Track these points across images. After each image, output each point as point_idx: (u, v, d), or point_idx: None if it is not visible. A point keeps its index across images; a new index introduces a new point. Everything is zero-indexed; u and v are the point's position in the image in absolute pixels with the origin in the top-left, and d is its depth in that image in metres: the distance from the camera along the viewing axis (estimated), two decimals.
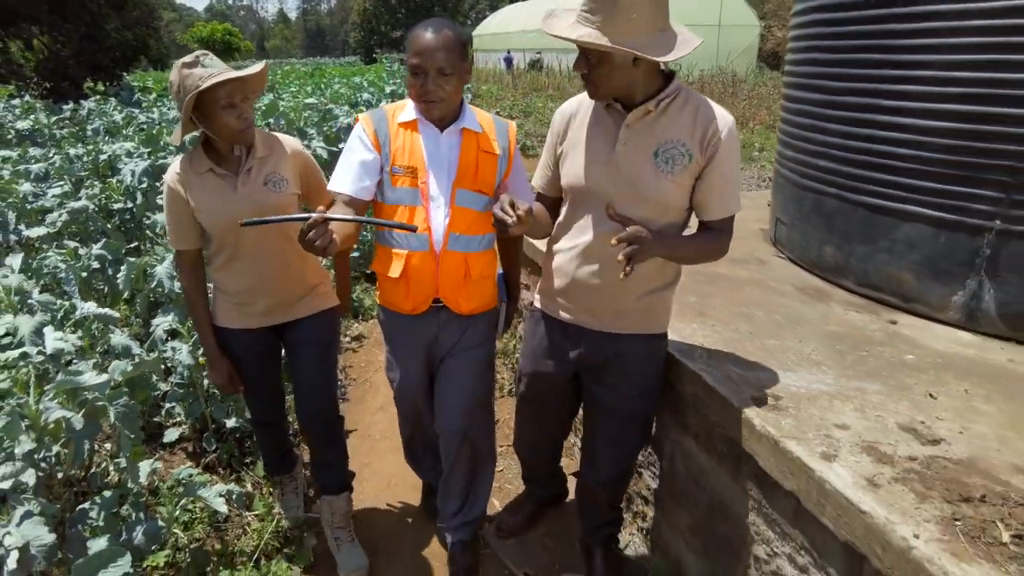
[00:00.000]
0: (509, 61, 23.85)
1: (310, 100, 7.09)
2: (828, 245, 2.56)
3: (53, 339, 1.96)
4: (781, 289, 2.53)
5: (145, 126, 5.89)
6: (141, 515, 1.97)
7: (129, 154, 4.05)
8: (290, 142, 2.09)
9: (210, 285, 2.17)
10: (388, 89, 9.80)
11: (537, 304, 1.94)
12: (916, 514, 1.27)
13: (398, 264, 1.86)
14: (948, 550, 1.17)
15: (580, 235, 1.70)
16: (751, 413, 1.63)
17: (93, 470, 2.45)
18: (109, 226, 3.24)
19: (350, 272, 2.50)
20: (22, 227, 3.37)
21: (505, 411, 3.19)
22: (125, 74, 15.11)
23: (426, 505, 2.58)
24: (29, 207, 3.49)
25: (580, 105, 1.73)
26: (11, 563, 1.45)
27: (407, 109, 1.86)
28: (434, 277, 1.86)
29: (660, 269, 1.70)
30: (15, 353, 1.87)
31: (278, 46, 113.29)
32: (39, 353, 1.92)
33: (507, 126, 1.94)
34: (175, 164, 1.98)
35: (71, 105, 7.17)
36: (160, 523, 2.01)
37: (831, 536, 1.40)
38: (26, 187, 3.47)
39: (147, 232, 3.39)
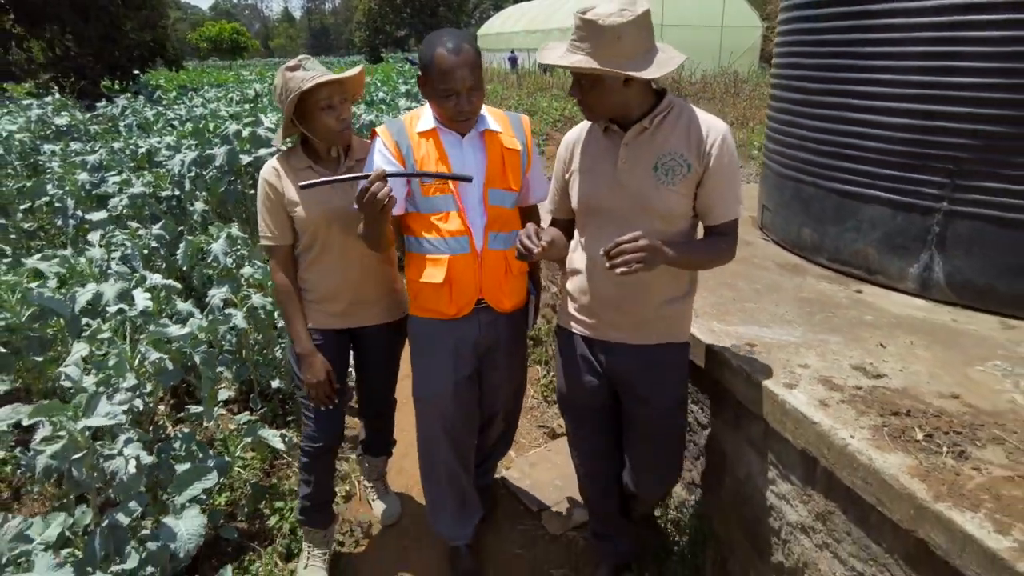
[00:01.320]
0: (514, 61, 24.16)
1: None
2: (805, 227, 2.90)
3: (142, 299, 2.31)
4: (763, 265, 2.88)
5: (175, 122, 6.28)
6: (210, 451, 2.32)
7: (169, 147, 4.41)
8: None
9: None
10: (403, 88, 10.13)
11: (562, 323, 1.97)
12: (854, 423, 1.61)
13: (439, 269, 1.86)
14: (874, 445, 1.52)
15: (594, 253, 1.73)
16: (729, 356, 1.98)
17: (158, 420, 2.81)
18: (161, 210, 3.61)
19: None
20: (79, 212, 3.74)
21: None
22: (140, 73, 15.51)
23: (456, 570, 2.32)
24: (84, 194, 3.85)
25: (582, 132, 1.82)
26: (131, 468, 1.80)
27: (424, 118, 1.87)
28: (477, 277, 1.89)
29: (675, 279, 1.77)
30: (113, 309, 2.22)
31: (282, 45, 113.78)
32: (131, 310, 2.26)
33: (520, 120, 2.00)
34: (272, 161, 2.03)
35: (104, 103, 7.55)
36: (227, 458, 2.37)
37: (791, 447, 1.75)
38: (83, 176, 3.83)
39: (192, 217, 3.74)
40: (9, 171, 4.87)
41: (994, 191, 2.24)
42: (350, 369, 2.37)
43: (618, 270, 1.50)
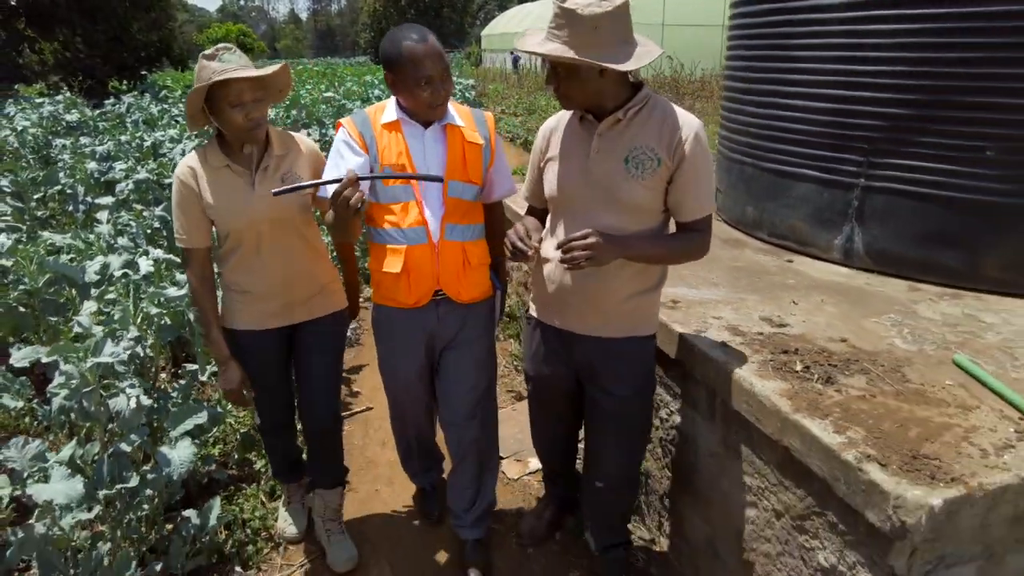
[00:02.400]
0: (516, 60, 24.48)
1: (328, 94, 7.76)
2: (748, 205, 3.17)
3: (145, 265, 2.60)
4: None
5: (179, 118, 6.60)
6: (205, 404, 2.61)
7: (173, 140, 4.72)
8: (306, 142, 2.12)
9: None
10: None
11: (532, 312, 2.02)
12: (747, 359, 1.88)
13: (397, 259, 1.90)
14: (758, 375, 1.79)
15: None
16: None
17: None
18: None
19: (358, 272, 2.53)
20: (89, 198, 4.05)
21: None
22: (147, 73, 15.91)
23: (421, 509, 2.59)
24: (93, 182, 4.16)
25: (559, 121, 1.83)
26: (131, 405, 2.08)
27: (388, 110, 1.91)
28: (435, 268, 1.92)
29: (642, 273, 1.78)
30: (119, 273, 2.51)
31: (289, 46, 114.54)
32: (136, 275, 2.56)
33: (484, 116, 2.03)
34: (187, 158, 1.96)
35: (112, 101, 7.91)
36: (219, 409, 2.66)
37: (699, 384, 2.02)
38: (92, 165, 4.15)
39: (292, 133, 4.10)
40: (23, 163, 5.19)
41: (902, 167, 2.50)
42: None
43: (565, 265, 1.56)
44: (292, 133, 2.11)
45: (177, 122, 6.30)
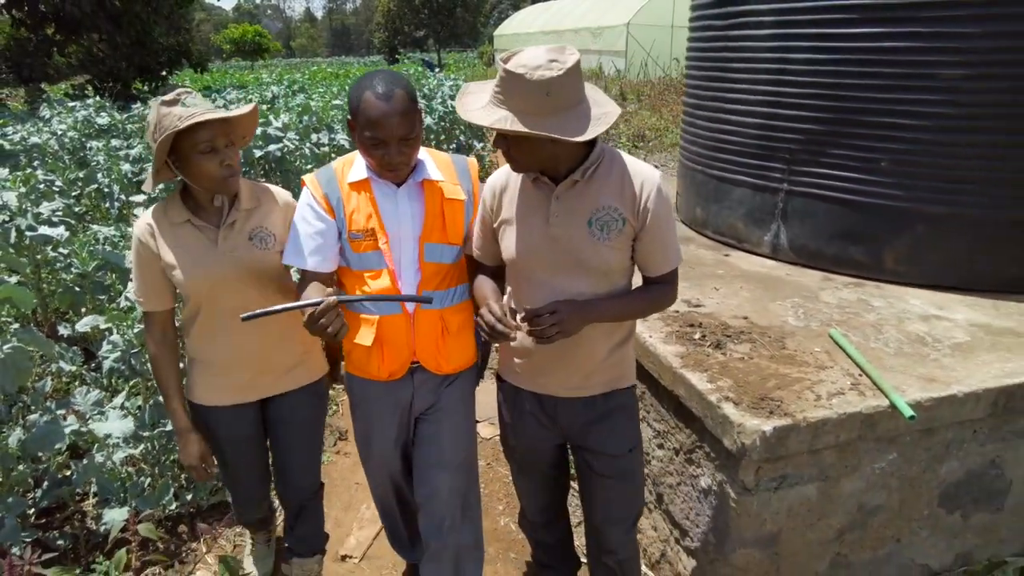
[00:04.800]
0: None
1: (336, 101, 8.27)
2: (698, 207, 3.62)
3: None
4: None
5: None
6: None
7: None
8: (281, 194, 1.90)
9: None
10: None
11: (506, 378, 1.85)
12: (657, 330, 2.33)
13: (369, 330, 1.75)
14: (660, 340, 2.24)
15: (531, 307, 1.56)
16: None
17: None
18: None
19: None
20: (123, 196, 4.56)
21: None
22: (168, 76, 16.58)
23: None
24: (127, 182, 4.68)
25: (509, 178, 1.68)
26: None
27: (356, 166, 1.75)
28: (410, 339, 1.76)
29: (616, 327, 1.69)
30: None
31: (304, 45, 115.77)
32: None
33: (467, 164, 1.86)
34: (145, 214, 1.79)
35: (137, 105, 8.46)
36: None
37: None
38: (126, 167, 4.66)
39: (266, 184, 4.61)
40: (60, 164, 5.74)
41: (817, 175, 2.94)
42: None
43: (535, 341, 1.49)
44: (266, 185, 1.90)
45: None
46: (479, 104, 1.48)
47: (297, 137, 5.55)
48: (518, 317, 1.53)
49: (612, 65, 20.95)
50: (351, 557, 2.58)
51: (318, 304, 1.42)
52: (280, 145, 4.90)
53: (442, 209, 1.76)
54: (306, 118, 6.52)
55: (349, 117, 1.67)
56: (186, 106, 1.62)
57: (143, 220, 1.77)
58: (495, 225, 1.72)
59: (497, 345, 1.86)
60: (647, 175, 1.58)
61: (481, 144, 10.00)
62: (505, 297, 1.75)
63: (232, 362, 1.87)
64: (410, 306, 1.75)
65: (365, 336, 1.77)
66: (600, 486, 1.83)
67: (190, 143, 1.62)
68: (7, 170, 4.19)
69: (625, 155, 1.62)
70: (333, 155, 6.09)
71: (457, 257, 1.81)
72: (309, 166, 5.37)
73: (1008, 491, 2.22)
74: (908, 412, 1.81)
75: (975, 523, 2.23)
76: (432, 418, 1.88)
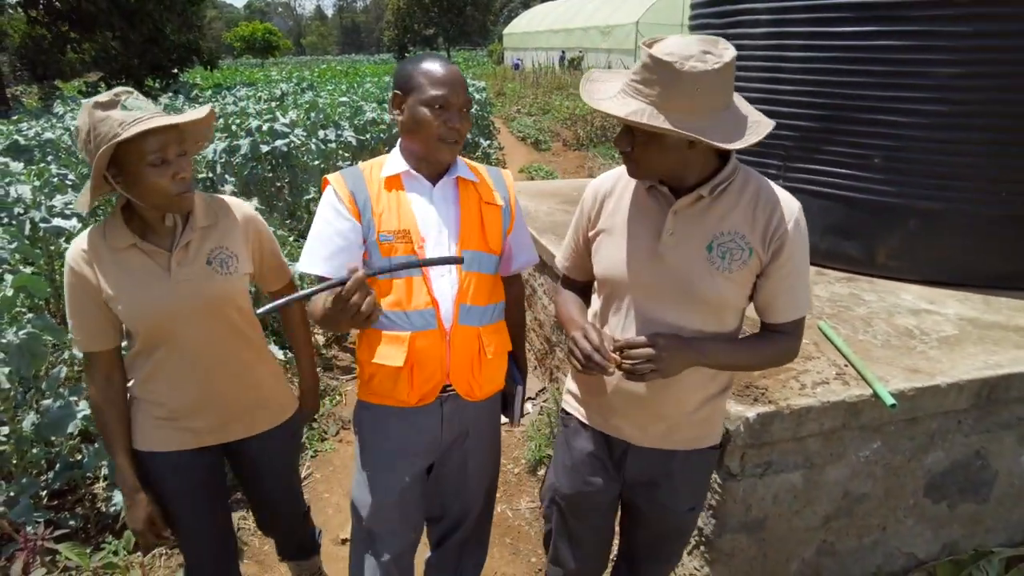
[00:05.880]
0: (516, 65, 25.56)
1: (343, 99, 8.37)
2: None
3: None
4: None
5: None
6: None
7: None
8: (241, 207, 1.64)
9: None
10: None
11: (571, 411, 1.65)
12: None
13: (398, 349, 1.51)
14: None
15: (621, 336, 1.41)
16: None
17: None
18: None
19: (315, 358, 2.04)
20: None
21: None
22: (179, 73, 16.76)
23: None
24: None
25: (617, 183, 1.49)
26: None
27: (388, 162, 1.57)
28: (444, 360, 1.55)
29: (715, 375, 1.47)
30: None
31: (314, 43, 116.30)
32: None
33: (501, 174, 1.72)
34: (80, 239, 1.48)
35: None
36: None
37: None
38: None
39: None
40: (73, 159, 5.85)
41: (812, 171, 2.99)
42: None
43: (623, 374, 1.30)
44: (223, 197, 1.65)
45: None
46: (609, 92, 1.30)
47: (304, 133, 5.64)
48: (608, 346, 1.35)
49: (621, 63, 20.99)
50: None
51: (344, 281, 1.22)
52: (287, 140, 4.99)
53: (480, 212, 1.59)
54: (313, 115, 6.61)
55: (396, 92, 1.52)
56: (127, 109, 1.35)
57: (77, 245, 1.47)
58: (591, 234, 1.51)
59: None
60: (786, 202, 1.35)
61: (488, 142, 10.07)
62: (590, 313, 1.56)
63: (188, 406, 1.60)
64: (446, 321, 1.54)
65: (394, 355, 1.52)
66: (649, 536, 1.68)
67: (136, 154, 1.35)
68: (22, 164, 4.29)
69: (762, 178, 1.39)
70: (340, 151, 6.18)
71: (495, 269, 1.64)
72: (316, 162, 5.45)
73: (994, 482, 2.26)
74: (890, 401, 1.86)
75: (961, 513, 2.27)
76: (460, 449, 1.69)
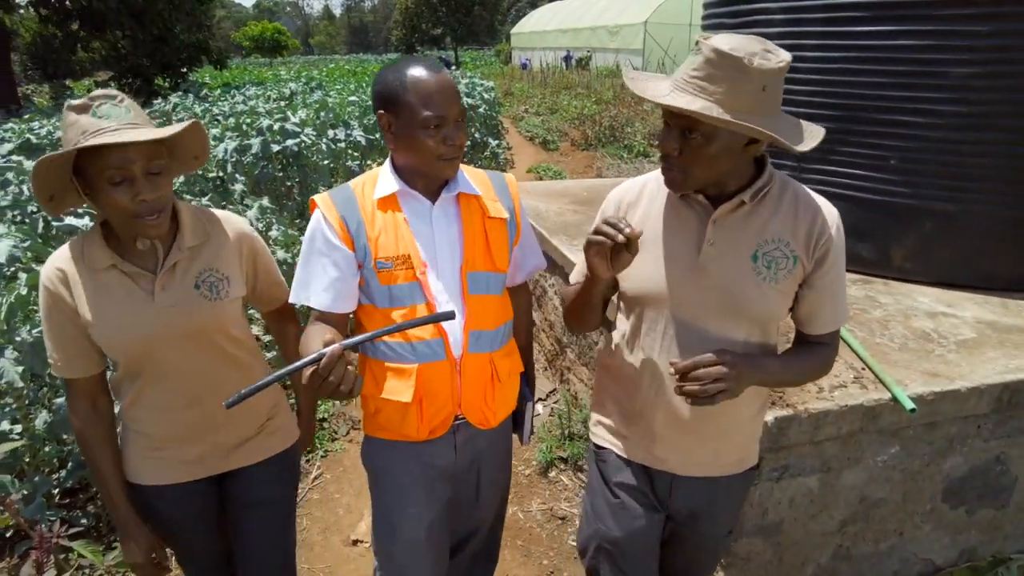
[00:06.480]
0: (524, 65, 25.74)
1: (352, 98, 8.38)
2: None
3: None
4: None
5: (219, 117, 7.27)
6: None
7: (215, 138, 5.33)
8: (234, 223, 1.50)
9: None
10: None
11: (606, 444, 1.52)
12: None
13: (405, 383, 1.42)
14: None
15: (660, 358, 1.35)
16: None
17: None
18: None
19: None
20: None
21: None
22: (188, 72, 16.83)
23: None
24: None
25: (642, 193, 1.40)
26: None
27: (381, 181, 1.43)
28: (455, 391, 1.46)
29: (760, 389, 1.41)
30: None
31: (322, 42, 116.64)
32: None
33: (505, 180, 1.59)
34: (55, 256, 1.36)
35: (159, 101, 8.62)
36: None
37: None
38: None
39: (233, 193, 4.66)
40: None
41: (827, 172, 2.96)
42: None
43: (689, 399, 1.21)
44: (215, 212, 1.50)
45: (218, 121, 6.95)
46: (662, 90, 1.21)
47: (314, 133, 5.64)
48: (638, 355, 1.31)
49: (629, 63, 20.93)
50: (362, 541, 2.65)
51: (319, 359, 1.08)
52: (297, 140, 4.99)
53: (484, 229, 1.48)
54: (323, 114, 6.62)
55: (381, 111, 1.39)
56: (97, 116, 1.24)
57: (52, 264, 1.35)
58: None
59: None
60: (826, 207, 1.30)
61: (497, 141, 10.05)
62: (616, 336, 1.46)
63: (177, 435, 1.47)
64: (456, 350, 1.44)
65: (401, 391, 1.43)
66: (686, 560, 1.61)
67: (95, 168, 1.24)
68: (34, 163, 4.30)
69: (797, 183, 1.35)
70: (350, 151, 6.18)
71: (504, 286, 1.54)
72: (326, 161, 5.45)
73: (1013, 487, 2.23)
74: (909, 405, 1.83)
75: (979, 519, 2.24)
76: (473, 479, 1.62)
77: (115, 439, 1.49)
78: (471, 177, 1.51)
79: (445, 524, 1.60)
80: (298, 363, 1.11)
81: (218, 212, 1.51)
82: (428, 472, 1.53)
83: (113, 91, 1.32)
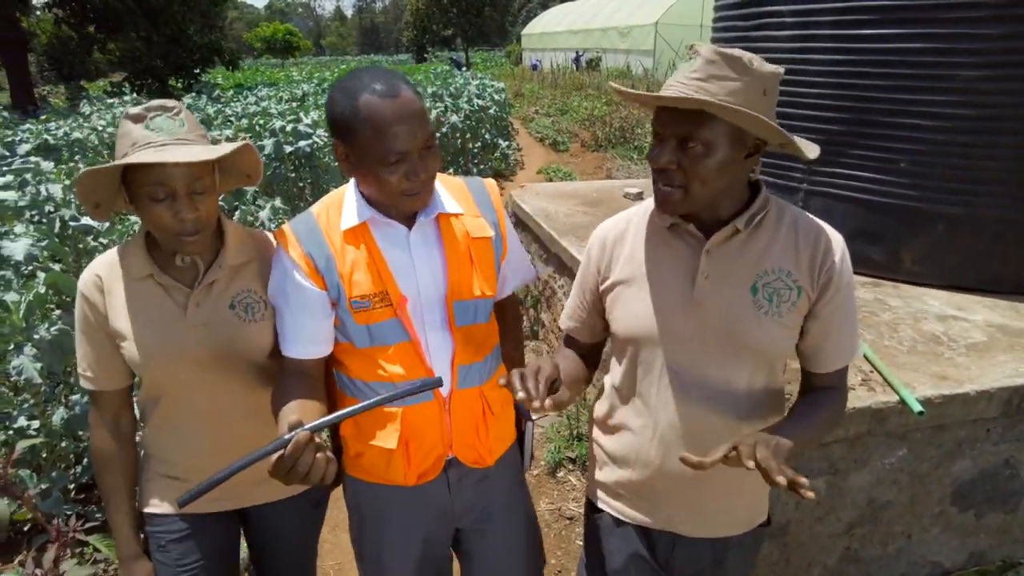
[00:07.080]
0: (535, 66, 25.73)
1: None
2: None
3: None
4: None
5: (232, 118, 7.35)
6: None
7: (228, 139, 5.40)
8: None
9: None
10: (431, 90, 11.05)
11: (603, 507, 1.41)
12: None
13: (389, 429, 1.30)
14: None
15: (659, 406, 1.25)
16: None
17: None
18: None
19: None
20: None
21: None
22: (201, 73, 16.99)
23: None
24: None
25: (628, 227, 1.30)
26: None
27: (347, 208, 1.28)
28: (445, 431, 1.33)
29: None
30: None
31: (334, 43, 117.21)
32: None
33: (486, 189, 1.42)
34: (97, 262, 1.35)
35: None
36: None
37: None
38: None
39: (246, 193, 4.72)
40: (100, 158, 5.96)
41: (836, 175, 2.96)
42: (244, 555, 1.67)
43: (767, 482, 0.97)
44: (263, 233, 1.45)
45: (230, 122, 7.02)
46: (668, 92, 1.11)
47: (326, 134, 5.69)
48: (633, 410, 1.23)
49: (640, 64, 20.89)
50: None
51: (283, 445, 0.97)
52: (309, 141, 5.05)
53: (469, 252, 1.33)
54: None
55: (336, 140, 1.22)
56: (148, 129, 1.21)
57: (91, 269, 1.32)
58: (603, 287, 1.32)
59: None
60: (828, 232, 1.19)
61: (507, 143, 10.07)
62: (608, 384, 1.37)
63: (196, 466, 1.37)
64: (444, 389, 1.30)
65: (385, 437, 1.31)
66: None
67: (138, 182, 1.21)
68: (52, 163, 4.38)
69: (795, 207, 1.25)
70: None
71: (490, 312, 1.40)
72: (337, 162, 5.50)
73: (1023, 492, 2.23)
74: (917, 408, 1.84)
75: (989, 523, 2.24)
76: (488, 527, 1.44)
77: (134, 465, 1.43)
78: (450, 190, 1.36)
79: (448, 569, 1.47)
80: (259, 451, 0.98)
81: (269, 235, 1.44)
82: (420, 518, 1.39)
83: (171, 102, 1.29)
